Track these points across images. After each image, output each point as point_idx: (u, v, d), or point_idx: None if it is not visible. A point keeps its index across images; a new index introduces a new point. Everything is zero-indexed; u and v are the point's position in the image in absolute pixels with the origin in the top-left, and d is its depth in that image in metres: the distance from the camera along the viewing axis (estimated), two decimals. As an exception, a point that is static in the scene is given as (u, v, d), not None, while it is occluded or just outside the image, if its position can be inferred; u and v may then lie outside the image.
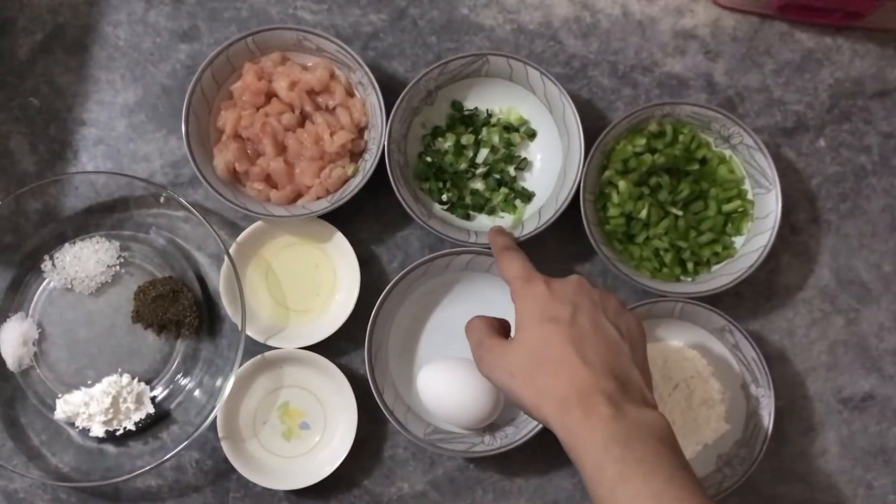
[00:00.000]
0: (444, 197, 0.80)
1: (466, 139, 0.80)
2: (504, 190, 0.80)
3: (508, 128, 0.81)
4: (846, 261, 0.82)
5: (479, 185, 0.81)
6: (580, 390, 0.57)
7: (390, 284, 0.76)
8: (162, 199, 0.79)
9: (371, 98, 0.78)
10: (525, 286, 0.63)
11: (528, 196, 0.81)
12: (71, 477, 0.77)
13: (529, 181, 0.82)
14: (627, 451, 0.55)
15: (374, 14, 0.83)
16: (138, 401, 0.78)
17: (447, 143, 0.80)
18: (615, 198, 0.77)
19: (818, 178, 0.83)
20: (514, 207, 0.81)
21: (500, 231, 0.74)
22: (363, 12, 0.83)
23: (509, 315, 0.65)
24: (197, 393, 0.79)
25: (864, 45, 0.83)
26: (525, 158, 0.81)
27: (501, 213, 0.81)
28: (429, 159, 0.80)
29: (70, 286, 0.79)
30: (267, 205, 0.78)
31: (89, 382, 0.78)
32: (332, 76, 0.79)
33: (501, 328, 0.66)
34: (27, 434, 0.78)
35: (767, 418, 0.76)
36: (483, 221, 0.81)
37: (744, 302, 0.81)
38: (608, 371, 0.58)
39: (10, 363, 0.78)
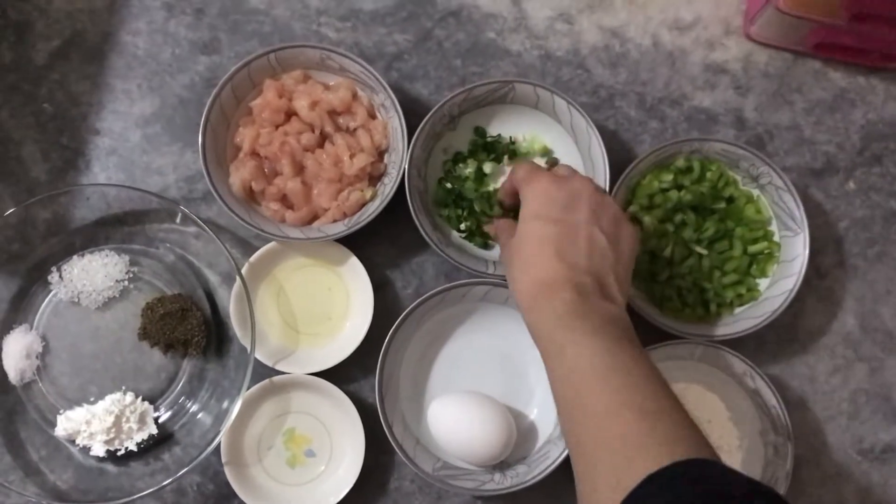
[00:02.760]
0: (463, 225, 0.78)
1: (489, 166, 0.78)
2: (524, 220, 0.78)
3: (531, 156, 0.79)
4: (872, 307, 0.80)
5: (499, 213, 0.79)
6: (552, 280, 0.60)
7: (405, 312, 0.74)
8: (178, 220, 0.77)
9: (393, 121, 0.76)
10: (529, 183, 0.66)
11: (548, 227, 0.79)
12: (69, 496, 0.75)
13: (551, 212, 0.80)
14: (581, 322, 0.57)
15: (400, 34, 0.81)
16: (141, 420, 0.76)
17: (468, 169, 0.78)
18: (639, 234, 0.75)
19: (846, 221, 0.81)
20: (534, 238, 0.79)
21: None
22: (388, 31, 0.81)
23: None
24: (201, 415, 0.77)
25: (899, 86, 0.82)
26: (547, 188, 0.79)
27: (521, 244, 0.79)
28: (449, 185, 0.78)
29: (76, 299, 0.77)
30: (282, 226, 0.77)
31: (92, 399, 0.76)
32: (355, 97, 0.77)
33: None
34: (26, 449, 0.76)
35: (785, 468, 0.74)
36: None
37: (765, 345, 0.79)
38: (586, 270, 0.61)
39: (12, 376, 0.76)
